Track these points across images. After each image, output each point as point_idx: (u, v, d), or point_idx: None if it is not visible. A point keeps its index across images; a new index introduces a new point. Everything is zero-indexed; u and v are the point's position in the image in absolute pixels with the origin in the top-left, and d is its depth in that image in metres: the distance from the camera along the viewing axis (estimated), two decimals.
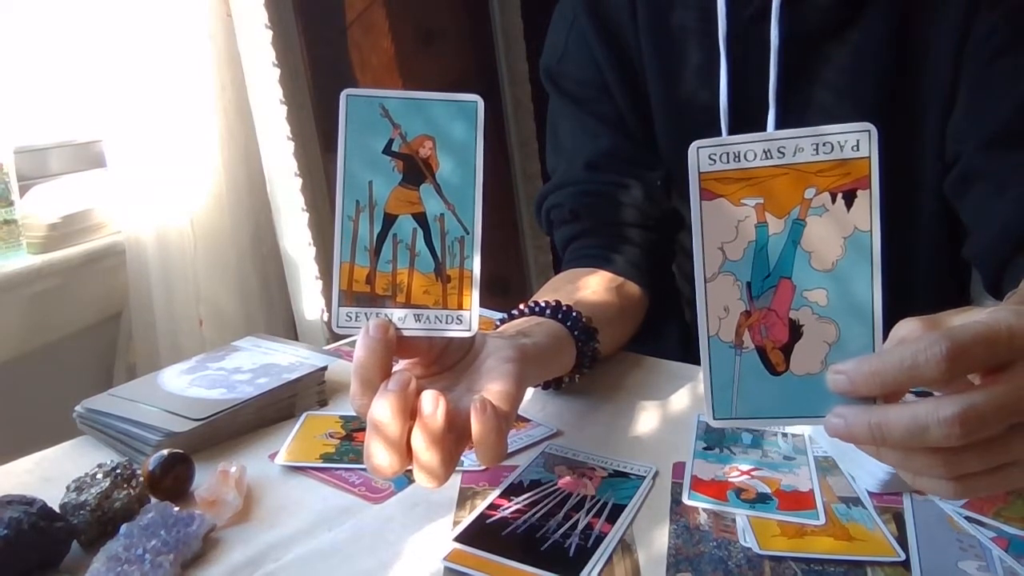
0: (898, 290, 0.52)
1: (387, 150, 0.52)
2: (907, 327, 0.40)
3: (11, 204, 1.27)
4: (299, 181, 1.62)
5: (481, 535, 0.51)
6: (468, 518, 0.53)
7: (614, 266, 0.81)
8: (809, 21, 0.75)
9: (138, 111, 1.39)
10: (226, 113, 1.54)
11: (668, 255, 0.89)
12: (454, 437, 0.48)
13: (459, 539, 0.51)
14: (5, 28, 1.39)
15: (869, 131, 0.42)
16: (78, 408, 0.67)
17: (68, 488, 0.53)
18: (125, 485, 0.54)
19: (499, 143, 2.26)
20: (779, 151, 0.42)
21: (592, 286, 0.78)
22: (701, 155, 0.43)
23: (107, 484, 0.53)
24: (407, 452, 0.48)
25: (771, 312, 0.43)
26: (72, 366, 1.39)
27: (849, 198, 0.42)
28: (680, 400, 0.71)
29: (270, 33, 1.55)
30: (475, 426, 0.47)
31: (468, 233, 0.51)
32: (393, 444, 0.47)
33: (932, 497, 0.54)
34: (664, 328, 0.89)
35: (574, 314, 0.67)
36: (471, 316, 0.51)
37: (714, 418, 0.44)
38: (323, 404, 0.72)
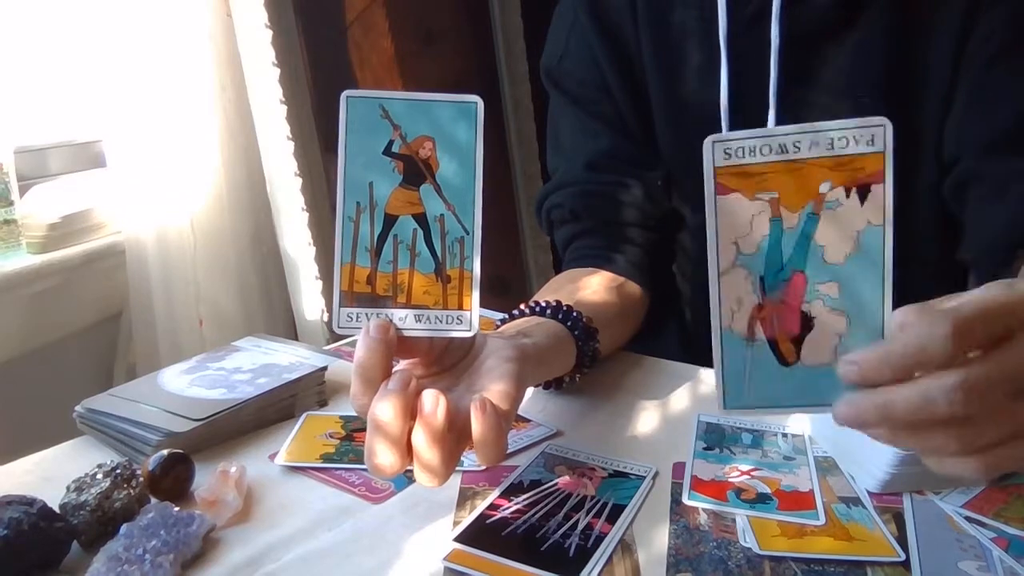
0: (894, 291, 0.52)
1: (387, 151, 0.52)
2: (905, 314, 0.40)
3: (11, 204, 1.27)
4: (299, 181, 1.62)
5: (481, 535, 0.51)
6: (468, 518, 0.53)
7: (615, 266, 0.81)
8: (809, 21, 0.75)
9: (138, 111, 1.39)
10: (226, 113, 1.54)
11: (668, 255, 0.89)
12: (455, 436, 0.48)
13: (459, 539, 0.51)
14: (5, 28, 1.39)
15: (884, 126, 0.42)
16: (78, 408, 0.67)
17: (68, 488, 0.53)
18: (125, 485, 0.54)
19: (499, 143, 2.26)
20: (794, 146, 0.43)
21: (592, 286, 0.78)
22: (716, 150, 0.43)
23: (107, 484, 0.53)
24: (408, 451, 0.48)
25: (783, 304, 0.43)
26: (72, 366, 1.39)
27: (863, 192, 0.42)
28: (680, 400, 0.71)
29: (270, 33, 1.55)
30: (475, 425, 0.47)
31: (468, 233, 0.51)
32: (394, 443, 0.47)
33: (932, 497, 0.54)
34: (664, 328, 0.89)
35: (574, 314, 0.67)
36: (472, 316, 0.51)
37: (725, 407, 0.45)
38: (323, 404, 0.72)
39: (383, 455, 0.47)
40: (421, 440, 0.47)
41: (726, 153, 0.43)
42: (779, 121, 0.76)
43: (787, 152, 0.43)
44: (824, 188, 0.43)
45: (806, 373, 0.44)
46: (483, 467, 0.60)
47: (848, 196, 0.43)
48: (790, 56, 0.75)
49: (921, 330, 0.38)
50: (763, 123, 0.77)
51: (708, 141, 0.43)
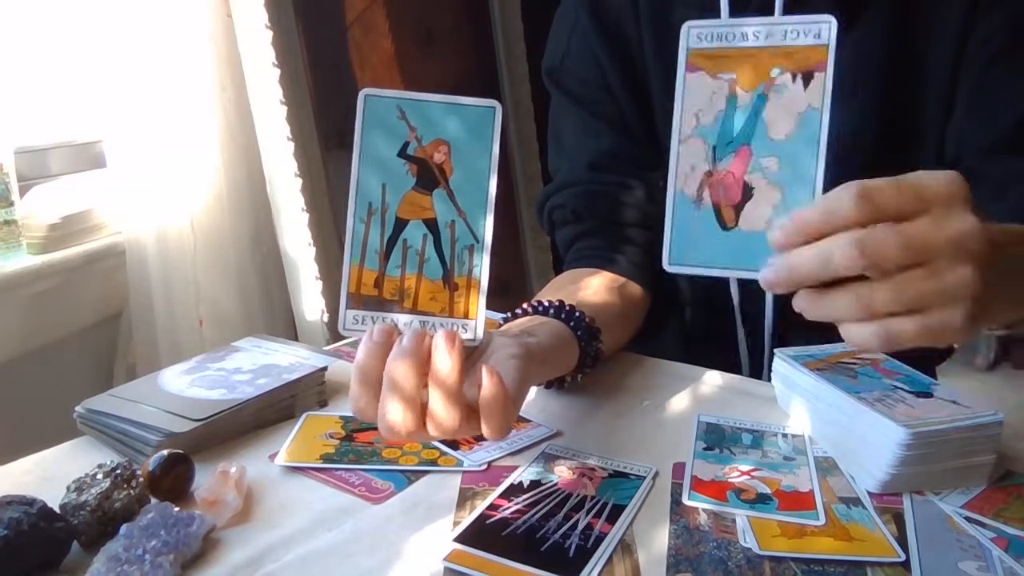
0: None
1: (402, 153, 0.52)
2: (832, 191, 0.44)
3: (11, 204, 1.27)
4: (299, 181, 1.62)
5: (481, 535, 0.51)
6: (468, 518, 0.53)
7: (616, 267, 0.81)
8: None
9: (138, 111, 1.39)
10: (226, 113, 1.54)
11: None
12: (466, 408, 0.49)
13: (459, 539, 0.51)
14: (5, 28, 1.39)
15: (830, 22, 0.47)
16: (78, 408, 0.67)
17: (68, 488, 0.53)
18: (125, 485, 0.54)
19: (499, 143, 2.26)
20: (755, 35, 0.48)
21: (594, 286, 0.78)
22: (691, 33, 0.49)
23: (107, 484, 0.53)
24: (421, 411, 0.48)
25: (729, 174, 0.48)
26: (72, 366, 1.39)
27: (807, 78, 0.48)
28: (680, 400, 0.71)
29: (270, 33, 1.55)
30: (484, 388, 0.48)
31: (478, 242, 0.52)
32: (408, 401, 0.48)
33: (932, 497, 0.54)
34: (664, 328, 0.89)
35: (577, 314, 0.67)
36: (477, 325, 0.52)
37: (669, 263, 0.50)
38: (323, 404, 0.72)
39: (396, 413, 0.48)
40: (436, 398, 0.48)
41: (698, 37, 0.49)
42: None
43: (747, 40, 0.48)
44: (775, 73, 0.48)
45: (742, 238, 0.48)
46: (483, 467, 0.60)
47: (794, 81, 0.48)
48: None
49: (833, 194, 0.42)
50: None
51: (685, 26, 0.49)
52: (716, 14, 0.77)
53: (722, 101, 0.48)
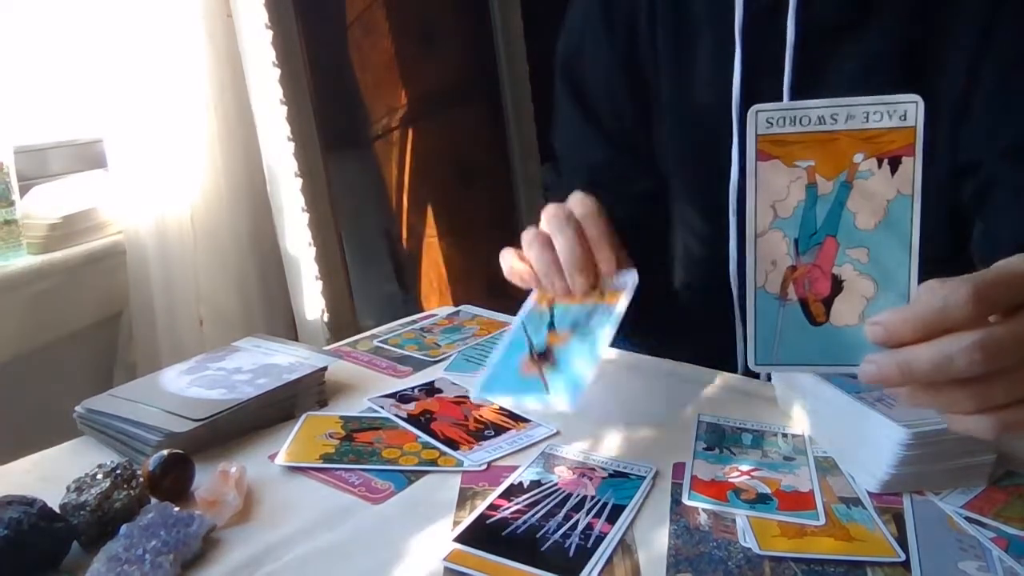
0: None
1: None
2: (930, 282, 0.42)
3: (11, 204, 1.27)
4: (299, 181, 1.62)
5: (481, 535, 0.51)
6: (468, 518, 0.53)
7: None
8: (825, 15, 0.75)
9: (138, 111, 1.39)
10: (226, 113, 1.54)
11: (659, 260, 0.89)
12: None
13: (459, 539, 0.51)
14: (5, 28, 1.39)
15: (917, 102, 0.45)
16: (78, 408, 0.67)
17: (68, 488, 0.53)
18: (125, 485, 0.54)
19: (499, 143, 2.26)
20: (832, 117, 0.46)
21: None
22: (760, 118, 0.46)
23: (107, 484, 0.53)
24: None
25: (815, 267, 0.46)
26: (72, 366, 1.39)
27: (895, 164, 0.45)
28: (680, 400, 0.71)
29: (270, 33, 1.55)
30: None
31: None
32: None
33: (932, 497, 0.54)
34: (658, 329, 0.90)
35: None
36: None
37: (756, 363, 0.48)
38: (323, 404, 0.72)
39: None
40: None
41: (768, 122, 0.46)
42: None
43: (824, 123, 0.45)
44: (858, 159, 0.45)
45: (833, 333, 0.46)
46: (483, 467, 0.60)
47: (880, 167, 0.45)
48: (806, 49, 0.75)
49: (944, 292, 0.41)
50: None
51: (753, 110, 0.46)
52: (730, 4, 0.77)
53: (801, 191, 0.46)
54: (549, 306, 0.66)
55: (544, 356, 0.61)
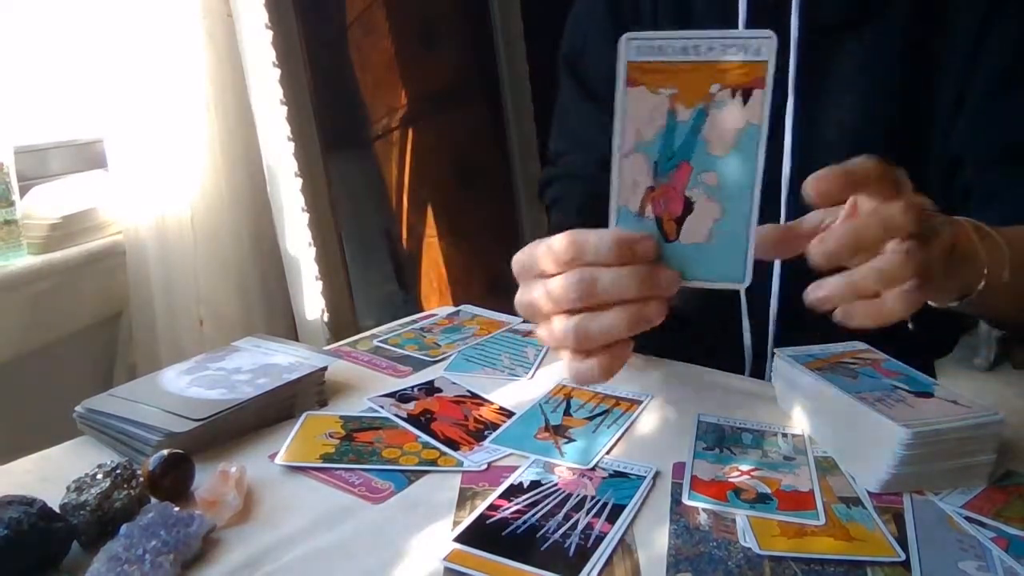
0: None
1: None
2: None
3: (11, 204, 1.27)
4: (299, 181, 1.62)
5: (481, 535, 0.51)
6: (468, 518, 0.53)
7: None
8: (828, 13, 0.75)
9: (138, 111, 1.39)
10: (226, 113, 1.54)
11: None
12: None
13: (459, 539, 0.51)
14: (5, 28, 1.39)
15: (770, 37, 0.46)
16: (78, 408, 0.67)
17: (68, 488, 0.53)
18: (125, 485, 0.54)
19: (499, 143, 2.26)
20: (695, 49, 0.48)
21: None
22: (631, 45, 0.48)
23: (107, 484, 0.53)
24: None
25: (671, 188, 0.49)
26: (72, 366, 1.39)
27: (747, 95, 0.47)
28: (680, 400, 0.71)
29: (270, 33, 1.55)
30: None
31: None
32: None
33: (932, 497, 0.54)
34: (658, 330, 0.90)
35: None
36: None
37: None
38: (323, 404, 0.72)
39: None
40: None
41: (638, 49, 0.48)
42: (797, 111, 0.76)
43: (688, 54, 0.48)
44: (714, 89, 0.47)
45: (684, 250, 0.49)
46: (483, 467, 0.60)
47: (733, 97, 0.47)
48: (809, 46, 0.75)
49: (884, 209, 0.46)
50: (781, 113, 0.78)
51: (624, 37, 0.48)
52: (734, 3, 0.77)
53: (663, 117, 0.48)
54: (566, 397, 0.71)
55: (558, 430, 0.65)
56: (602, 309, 0.48)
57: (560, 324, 0.49)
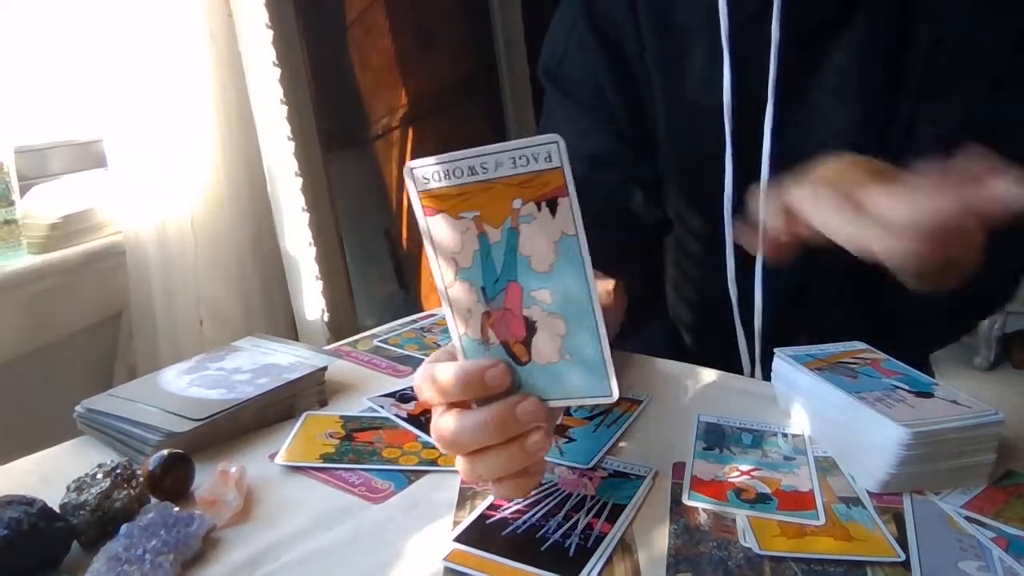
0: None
1: None
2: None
3: (11, 204, 1.27)
4: (299, 181, 1.63)
5: (481, 535, 0.51)
6: (468, 518, 0.53)
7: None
8: (809, 17, 0.75)
9: (138, 111, 1.39)
10: (226, 113, 1.54)
11: (659, 257, 0.89)
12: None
13: (459, 539, 0.51)
14: (5, 28, 1.39)
15: (557, 142, 0.43)
16: (78, 408, 0.67)
17: (68, 488, 0.53)
18: (125, 485, 0.54)
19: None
20: (483, 167, 0.44)
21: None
22: (416, 175, 0.45)
23: (107, 484, 0.53)
24: None
25: (507, 311, 0.47)
26: (72, 366, 1.39)
27: (552, 205, 0.45)
28: (680, 400, 0.71)
29: (270, 33, 1.55)
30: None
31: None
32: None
33: (932, 497, 0.54)
34: (650, 328, 0.90)
35: None
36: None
37: None
38: (323, 404, 0.72)
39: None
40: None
41: (425, 178, 0.45)
42: (777, 118, 0.76)
43: (477, 173, 0.44)
44: (517, 204, 0.45)
45: (539, 370, 0.47)
46: None
47: (539, 210, 0.45)
48: (790, 53, 0.75)
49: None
50: (760, 119, 0.78)
51: (407, 167, 0.45)
52: (715, 12, 0.77)
53: (474, 240, 0.46)
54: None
55: (558, 430, 0.64)
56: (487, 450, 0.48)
57: (459, 464, 0.50)
